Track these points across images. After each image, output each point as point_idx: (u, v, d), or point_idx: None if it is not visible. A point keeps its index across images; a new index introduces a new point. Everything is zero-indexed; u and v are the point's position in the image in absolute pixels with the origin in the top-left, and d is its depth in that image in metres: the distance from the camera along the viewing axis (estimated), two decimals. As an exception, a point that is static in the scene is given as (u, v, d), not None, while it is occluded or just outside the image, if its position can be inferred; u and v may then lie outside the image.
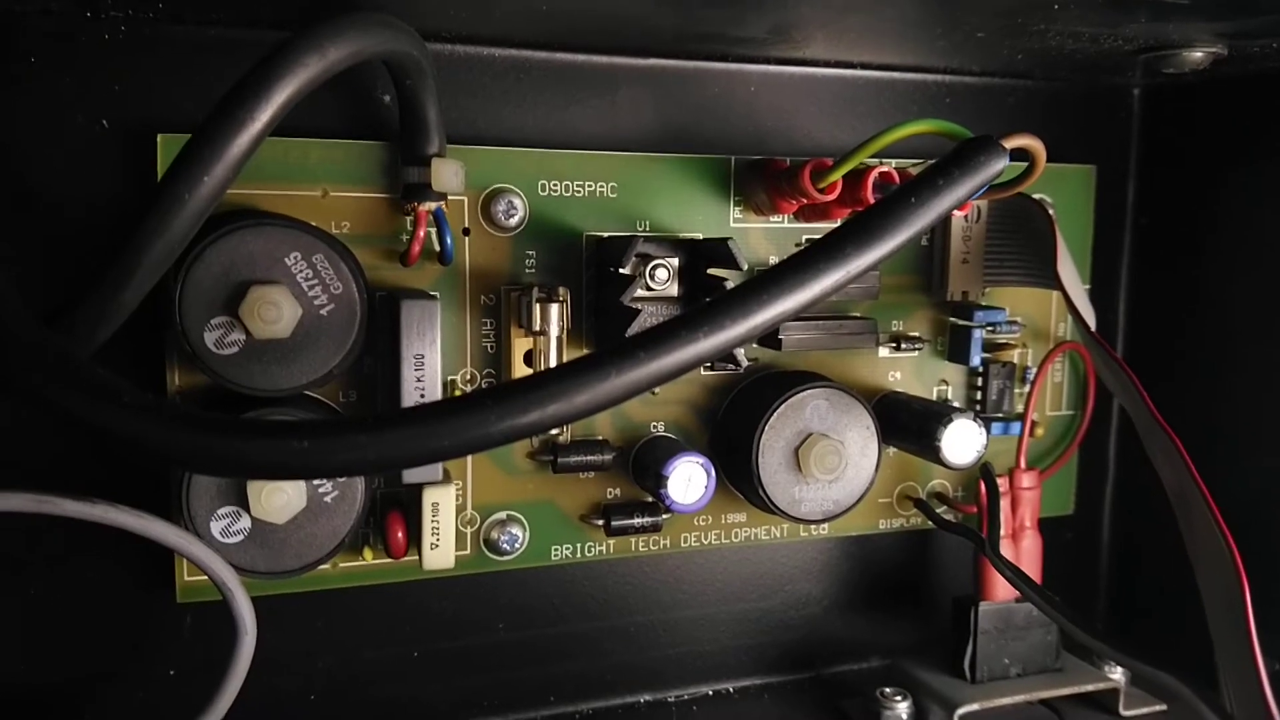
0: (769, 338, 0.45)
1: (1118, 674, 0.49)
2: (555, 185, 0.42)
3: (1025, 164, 0.36)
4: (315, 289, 0.36)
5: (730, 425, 0.45)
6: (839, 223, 0.39)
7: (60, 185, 0.38)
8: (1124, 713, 0.48)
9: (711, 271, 0.42)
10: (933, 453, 0.45)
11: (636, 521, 0.44)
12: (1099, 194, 0.52)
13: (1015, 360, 0.50)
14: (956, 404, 0.49)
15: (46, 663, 0.40)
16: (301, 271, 0.36)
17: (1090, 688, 0.48)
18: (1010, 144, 0.34)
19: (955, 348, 0.49)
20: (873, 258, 0.31)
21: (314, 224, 0.37)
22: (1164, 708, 0.48)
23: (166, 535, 0.34)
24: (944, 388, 0.50)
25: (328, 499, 0.37)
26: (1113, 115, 0.54)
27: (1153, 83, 0.53)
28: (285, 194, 0.39)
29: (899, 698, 0.47)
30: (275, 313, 0.35)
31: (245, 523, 0.36)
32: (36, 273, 0.37)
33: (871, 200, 0.41)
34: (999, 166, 0.33)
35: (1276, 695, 0.32)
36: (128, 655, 0.41)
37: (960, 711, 0.45)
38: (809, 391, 0.44)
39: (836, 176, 0.40)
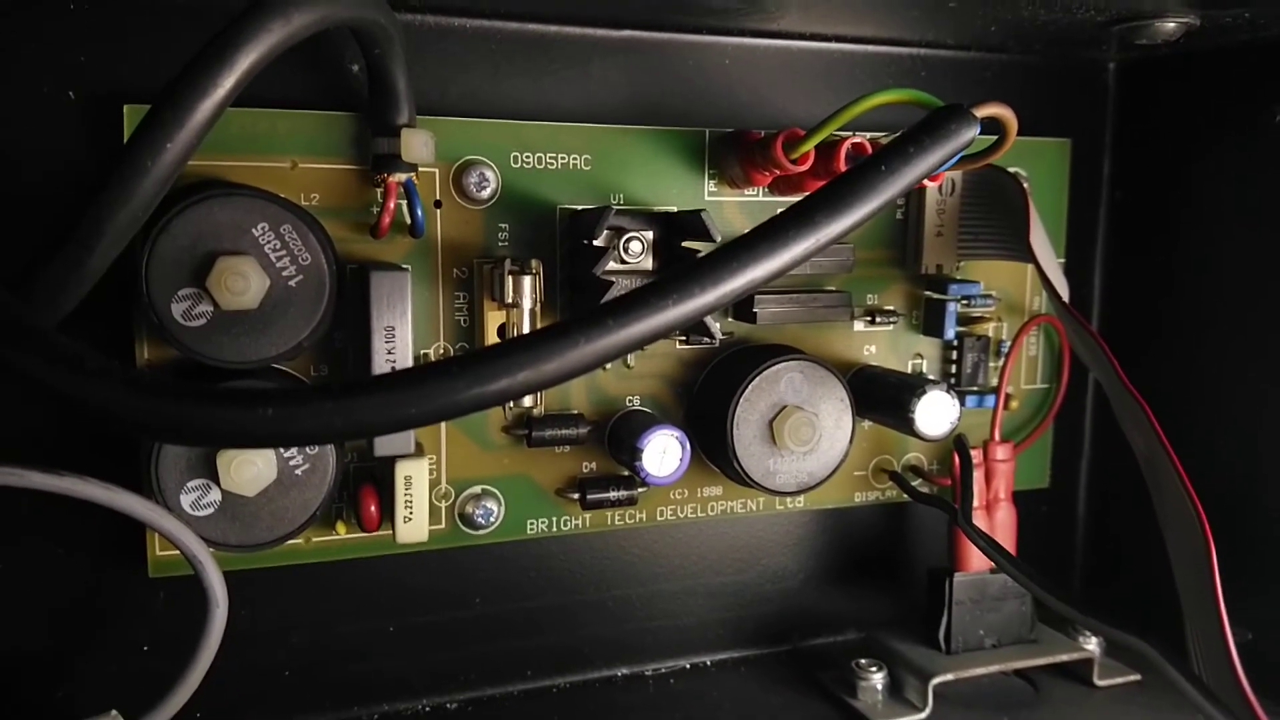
0: (744, 311, 0.45)
1: (1092, 644, 0.49)
2: (528, 157, 0.42)
3: (996, 136, 0.36)
4: (283, 260, 0.36)
5: (705, 399, 0.45)
6: (812, 194, 0.39)
7: (26, 156, 0.37)
8: (1098, 683, 0.49)
9: (686, 244, 0.42)
10: (907, 424, 0.45)
11: (612, 495, 0.44)
12: (1074, 168, 0.52)
13: (990, 334, 0.50)
14: (931, 377, 0.49)
15: (18, 638, 0.40)
16: (269, 242, 0.35)
17: (1065, 658, 0.49)
18: (981, 112, 0.34)
19: (930, 321, 0.49)
20: (844, 225, 0.31)
21: (282, 195, 0.37)
22: (1138, 678, 0.49)
23: (135, 507, 0.33)
24: (919, 361, 0.50)
25: (298, 471, 0.37)
26: (1088, 90, 0.54)
27: (1128, 57, 0.53)
28: (253, 165, 0.38)
29: (875, 669, 0.47)
30: (243, 284, 0.34)
31: (215, 495, 0.36)
32: (1, 245, 0.37)
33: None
34: (970, 135, 0.33)
35: (1243, 662, 0.32)
36: (100, 630, 0.41)
37: (935, 682, 0.46)
38: (783, 364, 0.44)
39: (809, 146, 0.40)
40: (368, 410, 0.27)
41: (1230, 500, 0.46)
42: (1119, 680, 0.49)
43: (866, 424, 0.49)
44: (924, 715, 0.45)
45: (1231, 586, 0.33)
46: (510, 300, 0.40)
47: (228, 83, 0.30)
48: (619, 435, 0.44)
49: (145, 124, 0.30)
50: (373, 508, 0.40)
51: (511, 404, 0.43)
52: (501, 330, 0.41)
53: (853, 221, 0.31)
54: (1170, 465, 0.34)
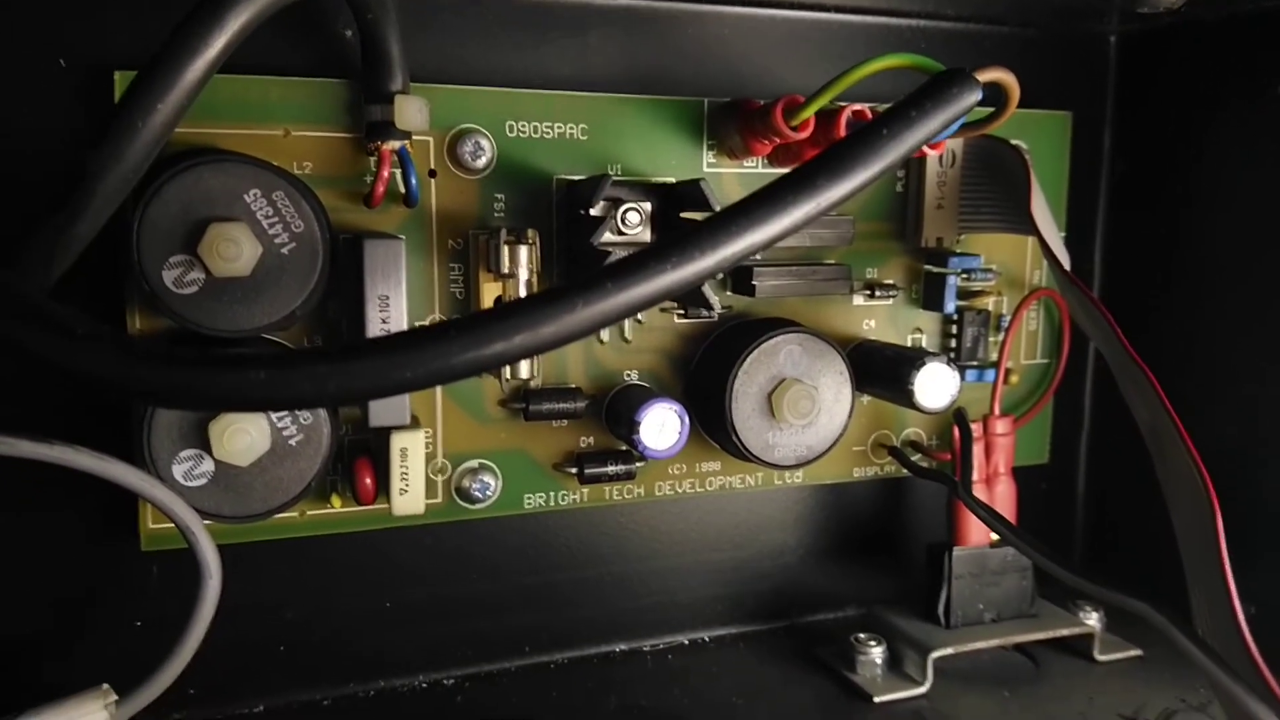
0: (743, 284, 0.45)
1: (1093, 619, 0.49)
2: (524, 126, 0.42)
3: (994, 107, 0.36)
4: (276, 227, 0.35)
5: (704, 372, 0.45)
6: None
7: (17, 125, 0.37)
8: (1099, 657, 0.48)
9: (684, 215, 0.42)
10: (906, 397, 0.44)
11: (610, 469, 0.44)
12: (1075, 140, 0.52)
13: (990, 307, 0.50)
14: (931, 350, 0.49)
15: (7, 612, 0.39)
16: (262, 209, 0.35)
17: (1065, 633, 0.48)
18: (984, 77, 0.33)
19: (930, 295, 0.49)
20: (845, 190, 0.31)
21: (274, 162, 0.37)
22: (1139, 653, 0.49)
23: (127, 477, 0.33)
24: (919, 335, 0.50)
25: (292, 442, 0.36)
26: (1089, 62, 0.53)
27: (1129, 28, 0.52)
28: (246, 133, 0.38)
29: (874, 643, 0.47)
30: (235, 250, 0.34)
31: (208, 465, 0.35)
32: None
33: (845, 140, 0.41)
34: (972, 99, 0.32)
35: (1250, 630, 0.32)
36: (92, 605, 0.40)
37: (934, 656, 0.45)
38: (782, 337, 0.43)
39: (809, 113, 0.40)
40: (362, 373, 0.27)
41: (1231, 471, 0.46)
42: (1119, 655, 0.49)
43: (865, 399, 0.48)
44: (923, 689, 0.45)
45: (1235, 558, 0.33)
46: (506, 271, 0.39)
47: (219, 42, 0.29)
48: (617, 409, 0.44)
49: (137, 84, 0.29)
50: (368, 480, 0.40)
51: (509, 376, 0.42)
52: (497, 302, 0.41)
53: (854, 186, 0.31)
54: (1175, 433, 0.34)
